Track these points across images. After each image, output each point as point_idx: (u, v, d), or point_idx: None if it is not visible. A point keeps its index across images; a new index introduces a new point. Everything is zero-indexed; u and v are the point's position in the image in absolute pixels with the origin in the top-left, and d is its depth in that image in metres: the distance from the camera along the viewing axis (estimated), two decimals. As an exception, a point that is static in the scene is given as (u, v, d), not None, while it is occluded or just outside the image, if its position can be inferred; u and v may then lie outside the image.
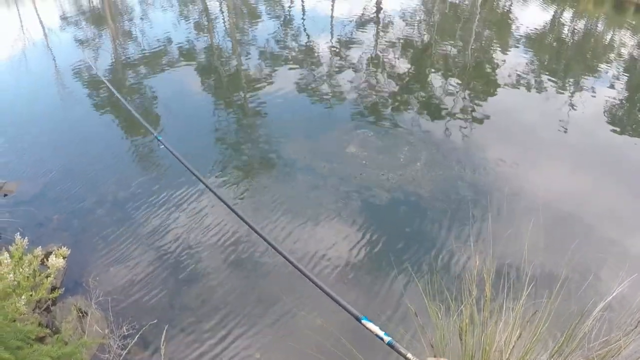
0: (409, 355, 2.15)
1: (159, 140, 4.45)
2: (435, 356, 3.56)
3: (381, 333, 2.23)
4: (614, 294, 3.31)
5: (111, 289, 5.70)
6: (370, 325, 2.23)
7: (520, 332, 3.27)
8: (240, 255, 6.03)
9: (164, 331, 4.73)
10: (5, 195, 7.79)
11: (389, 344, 2.25)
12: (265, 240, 3.19)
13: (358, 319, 2.25)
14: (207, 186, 3.76)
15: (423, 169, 7.18)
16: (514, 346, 3.25)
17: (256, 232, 3.06)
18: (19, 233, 5.22)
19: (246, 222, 3.28)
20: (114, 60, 14.33)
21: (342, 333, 4.53)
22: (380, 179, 7.11)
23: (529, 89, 9.69)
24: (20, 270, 4.74)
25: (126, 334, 4.79)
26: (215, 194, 3.55)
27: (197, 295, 5.57)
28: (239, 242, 6.23)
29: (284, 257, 2.77)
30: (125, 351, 4.65)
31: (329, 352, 4.43)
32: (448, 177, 7.01)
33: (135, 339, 4.73)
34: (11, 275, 4.52)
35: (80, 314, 5.23)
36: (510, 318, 3.39)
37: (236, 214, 3.41)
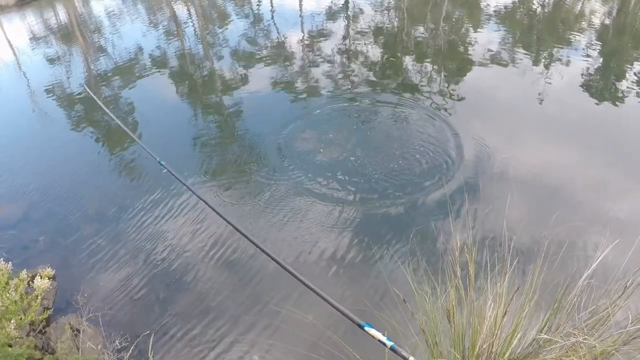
0: (411, 358, 2.16)
1: (161, 164, 4.45)
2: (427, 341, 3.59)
3: (384, 338, 2.24)
4: (598, 261, 3.33)
5: (102, 303, 5.70)
6: (373, 332, 2.24)
7: (506, 308, 3.28)
8: (229, 260, 6.03)
9: (151, 340, 4.75)
10: (-13, 221, 7.75)
11: (392, 349, 2.26)
12: (266, 253, 3.16)
13: (360, 326, 2.26)
14: (212, 209, 3.71)
15: (401, 151, 7.19)
16: (501, 323, 3.27)
17: (257, 245, 3.01)
18: (2, 258, 5.20)
19: (247, 237, 3.25)
20: (86, 74, 14.26)
21: (335, 331, 4.54)
22: (359, 163, 7.12)
23: (503, 65, 9.71)
24: (7, 295, 4.72)
25: (119, 347, 4.79)
26: (218, 214, 3.52)
27: (190, 303, 5.58)
28: (228, 246, 6.23)
29: (289, 271, 2.75)
30: (121, 365, 4.66)
31: (324, 350, 4.45)
32: (427, 157, 7.02)
33: (130, 351, 4.73)
34: (-1, 301, 4.50)
35: (74, 332, 5.23)
36: (497, 295, 3.40)
37: (238, 230, 3.39)
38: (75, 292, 5.81)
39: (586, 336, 3.05)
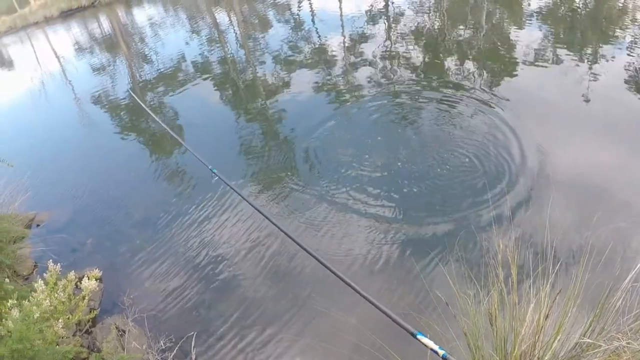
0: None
1: (213, 172, 4.48)
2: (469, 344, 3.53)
3: (436, 347, 2.20)
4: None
5: (147, 305, 5.74)
6: (426, 341, 2.20)
7: (548, 311, 3.20)
8: (272, 262, 6.00)
9: (193, 340, 4.76)
10: (37, 225, 7.94)
11: (444, 358, 2.22)
12: (315, 257, 3.12)
13: (413, 335, 2.22)
14: (263, 214, 3.69)
15: (444, 153, 7.07)
16: (542, 327, 3.19)
17: (307, 251, 2.98)
18: (51, 260, 5.28)
19: (299, 244, 3.22)
20: (131, 83, 14.51)
21: (376, 333, 4.49)
22: (403, 164, 7.03)
23: (546, 63, 9.51)
24: (56, 295, 4.80)
25: (164, 347, 4.81)
26: (271, 221, 3.49)
27: (233, 305, 5.57)
28: (270, 248, 6.20)
29: (339, 276, 2.70)
30: (165, 365, 4.68)
31: (367, 352, 4.40)
32: (470, 159, 6.88)
33: (174, 351, 4.75)
34: (47, 301, 4.57)
35: (119, 333, 5.28)
36: (539, 298, 3.32)
37: (289, 236, 3.37)
38: (122, 294, 5.87)
39: (630, 340, 2.95)
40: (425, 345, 2.17)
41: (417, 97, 8.99)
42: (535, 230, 5.29)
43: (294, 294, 5.49)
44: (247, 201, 4.03)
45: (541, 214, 5.38)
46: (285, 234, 3.50)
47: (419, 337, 2.19)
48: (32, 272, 6.77)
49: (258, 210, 3.86)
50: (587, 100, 7.80)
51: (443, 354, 2.20)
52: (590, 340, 3.10)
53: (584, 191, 5.96)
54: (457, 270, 4.96)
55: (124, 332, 5.20)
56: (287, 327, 5.11)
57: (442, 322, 4.23)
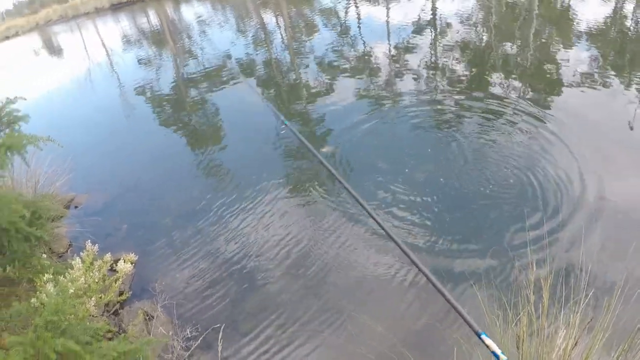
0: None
1: (285, 124, 4.48)
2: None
3: (498, 351, 2.19)
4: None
5: (176, 294, 5.82)
6: (489, 342, 2.19)
7: (577, 339, 3.17)
8: (304, 265, 6.00)
9: (221, 331, 4.80)
10: (76, 207, 8.11)
11: None
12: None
13: (477, 334, 2.22)
14: (336, 177, 3.60)
15: (484, 173, 7.01)
16: (570, 355, 3.16)
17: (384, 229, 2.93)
18: (89, 240, 5.40)
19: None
20: (175, 77, 14.71)
21: (402, 341, 4.49)
22: (442, 183, 6.99)
23: (593, 86, 9.37)
24: (91, 274, 4.91)
25: (189, 336, 4.88)
26: (343, 185, 3.37)
27: (261, 302, 5.59)
28: (304, 249, 6.21)
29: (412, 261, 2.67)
30: (188, 353, 4.74)
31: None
32: (508, 180, 6.80)
33: (199, 341, 4.81)
34: (82, 278, 4.68)
35: (147, 318, 5.37)
36: (569, 325, 3.29)
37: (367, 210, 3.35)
38: (151, 280, 5.97)
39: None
40: (488, 347, 2.16)
41: (460, 109, 8.95)
42: (571, 256, 5.22)
43: (324, 296, 5.49)
44: (318, 157, 3.90)
45: (578, 240, 5.31)
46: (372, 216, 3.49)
47: (482, 337, 2.19)
48: (67, 250, 6.93)
49: (328, 168, 3.69)
50: (632, 128, 7.66)
51: None
52: (616, 374, 3.07)
53: (624, 220, 5.85)
54: (488, 289, 4.93)
55: (152, 317, 5.28)
56: (312, 329, 5.12)
57: (467, 341, 4.22)
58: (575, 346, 3.14)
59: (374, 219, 2.79)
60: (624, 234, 5.49)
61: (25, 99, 4.13)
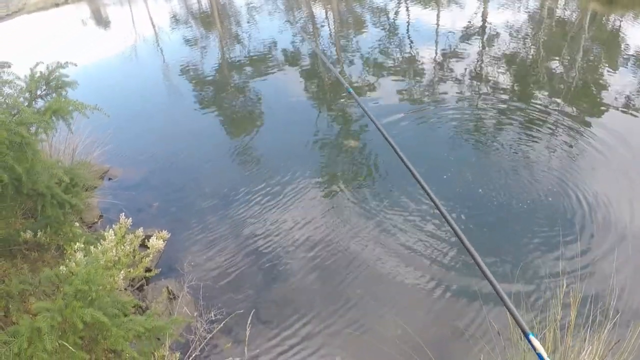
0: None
1: (349, 92, 4.45)
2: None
3: (544, 354, 2.09)
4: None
5: (204, 275, 5.82)
6: (537, 344, 2.09)
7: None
8: (329, 258, 5.97)
9: (250, 315, 4.77)
10: (110, 179, 8.16)
11: None
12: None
13: (525, 334, 2.12)
14: (391, 145, 3.49)
15: (518, 193, 6.87)
16: None
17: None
18: (123, 213, 5.39)
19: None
20: (220, 60, 14.74)
21: (423, 340, 4.43)
22: (476, 198, 6.87)
23: (635, 111, 9.12)
24: (122, 247, 4.90)
25: (213, 319, 4.87)
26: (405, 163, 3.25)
27: (285, 293, 5.58)
28: (330, 244, 6.18)
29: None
30: (210, 335, 4.72)
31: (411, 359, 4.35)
32: (542, 200, 6.66)
33: (222, 324, 4.79)
34: (113, 251, 4.67)
35: (171, 297, 5.36)
36: (593, 346, 3.21)
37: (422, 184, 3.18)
38: (180, 260, 5.98)
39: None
40: (534, 348, 2.06)
41: (500, 120, 8.82)
42: (601, 278, 5.11)
43: (346, 292, 5.45)
44: (372, 119, 3.77)
45: (609, 262, 5.20)
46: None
47: (531, 337, 2.09)
48: (97, 221, 6.96)
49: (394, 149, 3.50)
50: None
51: None
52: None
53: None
54: (516, 302, 4.82)
55: (176, 296, 5.28)
56: (332, 325, 5.08)
57: (491, 351, 4.14)
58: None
59: (433, 201, 2.69)
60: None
61: (75, 65, 4.11)
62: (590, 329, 3.42)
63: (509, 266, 5.51)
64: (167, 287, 5.54)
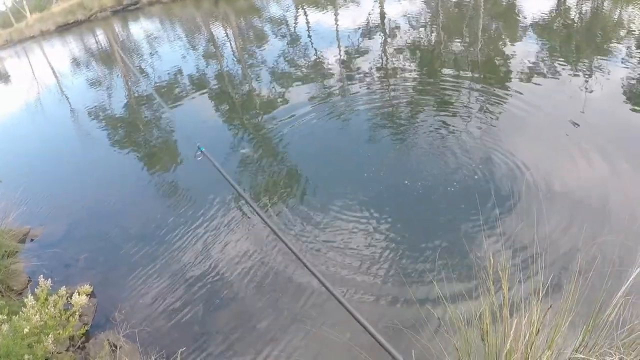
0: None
1: (201, 151, 4.40)
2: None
3: None
4: (634, 275, 3.17)
5: (140, 320, 5.70)
6: None
7: (539, 326, 3.18)
8: (267, 279, 5.92)
9: (178, 355, 4.72)
10: (32, 240, 7.91)
11: None
12: (308, 267, 3.06)
13: None
14: (244, 198, 3.52)
15: (441, 171, 7.03)
16: (534, 342, 3.16)
17: (298, 256, 2.88)
18: (42, 275, 5.24)
19: (289, 247, 3.15)
20: (128, 97, 14.52)
21: (368, 351, 4.46)
22: (401, 182, 6.99)
23: (542, 77, 9.48)
24: (46, 310, 4.76)
25: (156, 364, 4.77)
26: (252, 206, 3.33)
27: (228, 321, 5.51)
28: (268, 266, 6.13)
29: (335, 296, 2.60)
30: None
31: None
32: (463, 175, 6.84)
33: (166, 367, 4.71)
34: (37, 316, 4.53)
35: (112, 349, 5.23)
36: (531, 313, 3.30)
37: (279, 236, 3.30)
38: (114, 309, 5.84)
39: (622, 355, 2.92)
40: None
41: (413, 108, 9.01)
42: (526, 244, 5.26)
43: (289, 310, 5.44)
44: (232, 184, 3.88)
45: (531, 227, 5.36)
46: (285, 242, 3.46)
47: None
48: (26, 286, 6.72)
49: (248, 202, 3.68)
50: (580, 113, 7.79)
51: None
52: (582, 356, 3.07)
53: (573, 204, 5.92)
54: (449, 284, 4.92)
55: (117, 347, 5.15)
56: (280, 344, 5.07)
57: (433, 337, 4.21)
58: (538, 333, 3.14)
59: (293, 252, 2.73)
60: (576, 218, 5.59)
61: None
62: (525, 298, 3.49)
63: (435, 244, 5.64)
64: (108, 340, 5.40)
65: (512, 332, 3.22)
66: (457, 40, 12.45)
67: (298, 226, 6.62)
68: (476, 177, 6.69)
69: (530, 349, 3.15)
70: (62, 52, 24.14)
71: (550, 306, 3.27)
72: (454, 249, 5.58)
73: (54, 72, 20.47)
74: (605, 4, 13.58)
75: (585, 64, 9.75)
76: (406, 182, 6.95)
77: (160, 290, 6.18)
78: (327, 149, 8.38)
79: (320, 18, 17.42)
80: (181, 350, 4.95)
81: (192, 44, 18.58)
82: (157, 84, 14.51)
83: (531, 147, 7.14)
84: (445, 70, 10.55)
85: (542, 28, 12.24)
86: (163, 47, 19.44)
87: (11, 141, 13.06)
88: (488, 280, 3.61)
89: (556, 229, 5.45)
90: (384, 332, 4.84)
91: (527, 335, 3.19)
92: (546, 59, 10.26)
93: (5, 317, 4.56)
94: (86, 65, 19.85)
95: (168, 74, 15.27)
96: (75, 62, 20.75)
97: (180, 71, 15.32)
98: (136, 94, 14.60)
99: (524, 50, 10.70)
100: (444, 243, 5.74)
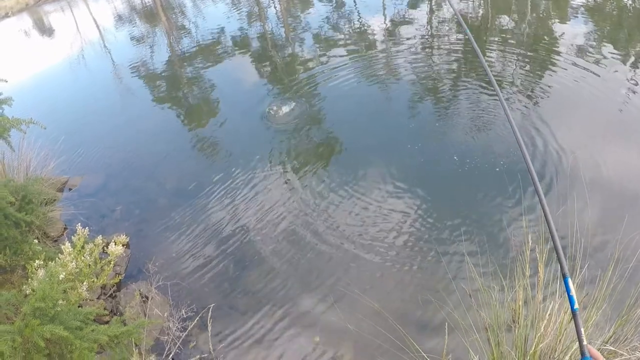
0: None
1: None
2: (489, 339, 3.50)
3: (574, 297, 2.03)
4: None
5: (172, 274, 5.79)
6: (572, 287, 2.03)
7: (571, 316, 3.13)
8: (299, 241, 5.96)
9: (210, 310, 4.76)
10: (70, 189, 8.03)
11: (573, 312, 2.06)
12: None
13: (564, 276, 2.04)
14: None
15: (478, 149, 6.92)
16: (565, 329, 3.11)
17: None
18: (80, 223, 5.32)
19: None
20: (170, 54, 14.54)
21: (396, 319, 4.44)
22: (439, 157, 6.92)
23: (589, 60, 9.16)
24: (82, 258, 4.84)
25: (185, 316, 4.83)
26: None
27: (257, 280, 5.57)
28: (299, 227, 6.17)
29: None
30: (185, 333, 4.69)
31: (385, 337, 4.36)
32: (505, 155, 6.71)
33: (195, 321, 4.76)
34: (73, 263, 4.61)
35: (143, 299, 5.32)
36: (564, 299, 3.24)
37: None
38: (147, 261, 5.93)
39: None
40: (569, 291, 1.99)
41: (456, 81, 8.87)
42: (565, 230, 5.16)
43: (319, 274, 5.46)
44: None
45: (573, 214, 5.24)
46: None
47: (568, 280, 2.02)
48: (62, 234, 6.87)
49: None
50: (627, 102, 7.53)
51: (575, 309, 2.02)
52: (612, 348, 3.02)
53: (616, 194, 5.76)
54: (484, 263, 4.87)
55: (147, 298, 5.24)
56: (307, 306, 5.09)
57: (464, 314, 4.17)
58: (570, 321, 3.09)
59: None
60: (619, 209, 5.44)
61: (6, 81, 4.01)
62: (560, 284, 3.42)
63: (474, 225, 5.58)
64: (139, 290, 5.49)
65: (546, 315, 3.18)
66: (505, 15, 12.15)
67: (350, 185, 6.72)
68: (515, 158, 6.56)
69: (561, 335, 3.11)
70: (105, 7, 24.22)
71: (587, 294, 3.22)
72: (493, 229, 5.53)
73: (97, 27, 20.58)
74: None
75: (637, 50, 9.40)
76: (455, 157, 6.87)
77: (192, 246, 6.26)
78: (370, 115, 8.35)
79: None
80: (211, 306, 5.01)
81: (235, 4, 18.43)
82: (200, 43, 14.47)
83: (579, 128, 6.98)
84: (491, 46, 10.32)
85: (592, 10, 11.85)
86: (207, 5, 19.36)
87: (55, 93, 13.21)
88: (524, 262, 3.56)
89: (597, 216, 5.33)
90: (415, 302, 4.85)
91: (559, 321, 3.14)
92: (595, 42, 9.93)
93: (42, 262, 4.64)
94: (129, 22, 19.92)
95: (211, 33, 15.22)
96: (119, 18, 20.84)
97: (222, 31, 15.25)
98: (178, 52, 14.59)
99: (572, 32, 10.39)
100: (483, 219, 5.71)
